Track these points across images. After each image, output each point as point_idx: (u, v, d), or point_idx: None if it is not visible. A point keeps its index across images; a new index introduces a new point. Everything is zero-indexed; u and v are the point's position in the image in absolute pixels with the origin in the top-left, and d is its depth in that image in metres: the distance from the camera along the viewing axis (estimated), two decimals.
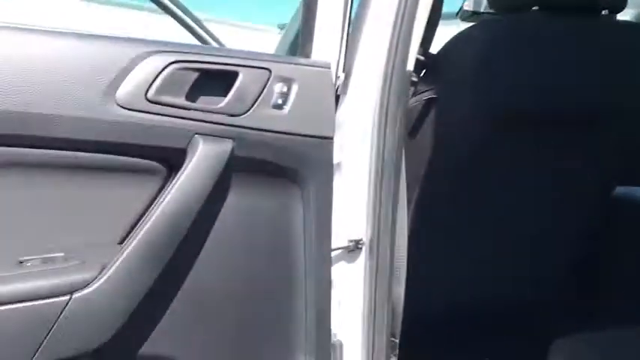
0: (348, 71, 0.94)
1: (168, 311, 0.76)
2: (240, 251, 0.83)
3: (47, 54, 0.70)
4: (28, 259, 0.68)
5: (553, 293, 1.43)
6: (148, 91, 0.70)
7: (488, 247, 1.37)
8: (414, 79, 1.17)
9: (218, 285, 0.81)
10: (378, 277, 0.99)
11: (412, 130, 1.18)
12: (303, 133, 0.83)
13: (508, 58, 1.08)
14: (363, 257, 1.00)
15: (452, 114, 1.12)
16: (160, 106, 0.70)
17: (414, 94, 1.14)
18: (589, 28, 1.14)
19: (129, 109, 0.69)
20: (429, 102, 1.10)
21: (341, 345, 1.03)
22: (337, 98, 0.97)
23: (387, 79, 0.91)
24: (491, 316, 1.48)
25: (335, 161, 0.94)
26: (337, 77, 0.94)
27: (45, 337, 0.63)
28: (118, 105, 0.68)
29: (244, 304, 0.85)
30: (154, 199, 0.74)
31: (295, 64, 0.84)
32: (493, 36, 1.11)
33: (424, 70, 1.14)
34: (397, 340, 1.14)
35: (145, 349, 0.75)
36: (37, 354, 0.62)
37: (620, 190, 1.44)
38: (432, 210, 1.28)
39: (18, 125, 0.66)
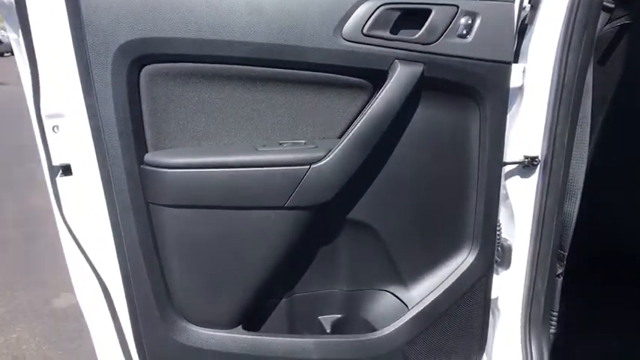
0: (535, 3, 1.06)
1: (370, 188, 1.07)
2: (426, 150, 1.07)
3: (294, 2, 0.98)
4: (284, 142, 1.05)
5: None
6: (363, 27, 0.96)
7: None
8: (610, 4, 1.18)
9: (409, 174, 1.08)
10: (550, 193, 1.13)
11: (602, 56, 1.21)
12: (482, 57, 1.00)
13: None
14: (537, 173, 1.14)
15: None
16: (371, 38, 0.97)
17: (609, 21, 1.16)
18: None
19: (351, 42, 0.97)
20: (622, 28, 1.12)
21: (510, 248, 1.21)
22: (525, 29, 1.09)
23: (574, 7, 1.01)
24: None
25: (518, 84, 1.08)
26: (523, 8, 1.06)
27: (294, 190, 1.00)
28: (344, 38, 0.97)
29: (427, 191, 1.10)
30: (364, 107, 1.03)
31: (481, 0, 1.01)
32: None
33: None
34: (565, 253, 1.25)
35: (351, 214, 1.08)
36: (289, 199, 1.00)
37: None
38: (613, 135, 1.30)
39: (277, 53, 0.98)
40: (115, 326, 1.07)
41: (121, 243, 1.00)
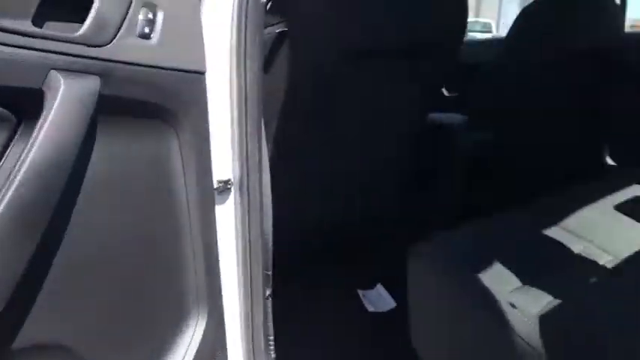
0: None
1: (44, 290, 0.63)
2: (118, 205, 0.72)
3: None
4: None
5: (391, 210, 1.62)
6: None
7: (332, 176, 1.46)
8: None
9: (101, 248, 0.71)
10: (251, 214, 0.98)
11: (265, 63, 1.15)
12: (174, 66, 0.74)
13: None
14: (233, 197, 0.97)
15: (304, 48, 1.12)
16: None
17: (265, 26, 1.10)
18: None
19: None
20: (280, 35, 1.09)
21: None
22: None
23: (242, 10, 0.86)
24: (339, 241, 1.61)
25: None
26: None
27: None
28: None
29: (130, 264, 0.75)
30: (2, 155, 0.59)
31: None
32: None
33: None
34: (270, 273, 1.16)
35: (22, 339, 0.62)
36: None
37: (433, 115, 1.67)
38: (285, 144, 1.30)
39: None
40: None
41: None
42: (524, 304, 0.89)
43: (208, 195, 0.85)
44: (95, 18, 0.63)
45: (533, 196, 1.71)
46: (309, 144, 1.31)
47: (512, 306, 0.86)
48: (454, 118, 1.74)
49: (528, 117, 1.80)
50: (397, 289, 1.67)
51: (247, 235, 0.98)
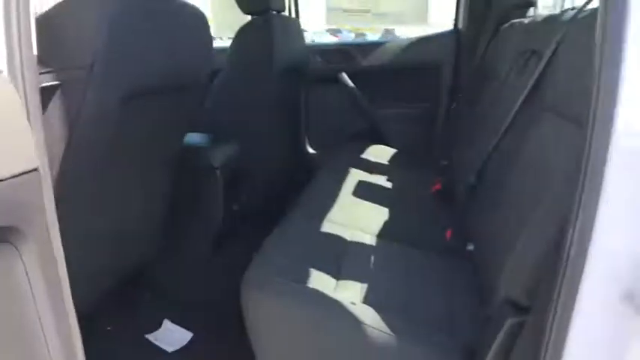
0: None
1: None
2: None
3: None
4: None
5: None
6: None
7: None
8: None
9: None
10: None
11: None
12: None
13: (137, 36, 1.04)
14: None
15: (79, 97, 0.99)
16: None
17: None
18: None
19: None
20: (52, 87, 0.93)
21: None
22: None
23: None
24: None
25: None
26: None
27: None
28: None
29: None
30: None
31: None
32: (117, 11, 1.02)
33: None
34: None
35: None
36: None
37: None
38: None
39: None
40: None
41: None
42: (354, 298, 1.09)
43: (64, 316, 0.71)
44: None
45: (280, 196, 1.97)
46: (94, 182, 1.17)
47: (353, 304, 1.04)
48: (196, 137, 1.81)
49: (253, 127, 2.01)
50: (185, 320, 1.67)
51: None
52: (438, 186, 1.92)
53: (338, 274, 1.19)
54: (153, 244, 1.57)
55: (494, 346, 0.88)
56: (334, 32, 8.65)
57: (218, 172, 1.64)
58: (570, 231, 0.66)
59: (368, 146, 2.41)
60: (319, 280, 1.14)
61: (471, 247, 1.39)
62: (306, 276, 1.15)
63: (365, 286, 1.16)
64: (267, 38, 1.88)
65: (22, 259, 0.63)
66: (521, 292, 0.84)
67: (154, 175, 1.41)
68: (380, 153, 2.38)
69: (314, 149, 2.67)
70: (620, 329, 0.66)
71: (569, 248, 0.66)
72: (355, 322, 0.99)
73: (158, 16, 1.12)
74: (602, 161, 0.61)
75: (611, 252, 0.65)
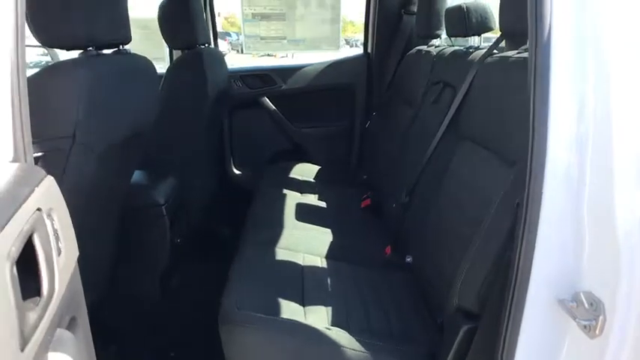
0: None
1: None
2: None
3: None
4: None
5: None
6: None
7: None
8: None
9: None
10: None
11: None
12: None
13: (110, 97, 1.05)
14: None
15: (60, 165, 0.99)
16: None
17: None
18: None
19: None
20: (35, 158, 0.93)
21: None
22: None
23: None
24: None
25: None
26: None
27: None
28: None
29: None
30: None
31: None
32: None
33: None
34: None
35: None
36: None
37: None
38: None
39: None
40: None
41: None
42: (323, 322, 1.20)
43: None
44: None
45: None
46: None
47: (328, 329, 1.15)
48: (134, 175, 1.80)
49: (189, 158, 2.04)
50: None
51: None
52: (367, 202, 2.10)
53: (302, 301, 1.30)
54: (99, 291, 1.54)
55: (452, 352, 1.05)
56: (222, 36, 9.08)
57: (164, 208, 1.65)
58: (517, 249, 0.82)
59: (294, 165, 2.53)
60: (289, 309, 1.24)
61: (409, 260, 1.57)
62: (277, 306, 1.24)
63: (329, 309, 1.28)
64: (200, 71, 1.92)
65: None
66: (474, 301, 1.02)
67: (107, 219, 1.40)
68: (305, 171, 2.51)
69: (239, 170, 2.74)
70: (556, 330, 0.85)
71: (518, 261, 0.82)
72: (334, 345, 1.10)
73: (123, 73, 1.14)
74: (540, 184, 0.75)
75: (547, 263, 0.81)
